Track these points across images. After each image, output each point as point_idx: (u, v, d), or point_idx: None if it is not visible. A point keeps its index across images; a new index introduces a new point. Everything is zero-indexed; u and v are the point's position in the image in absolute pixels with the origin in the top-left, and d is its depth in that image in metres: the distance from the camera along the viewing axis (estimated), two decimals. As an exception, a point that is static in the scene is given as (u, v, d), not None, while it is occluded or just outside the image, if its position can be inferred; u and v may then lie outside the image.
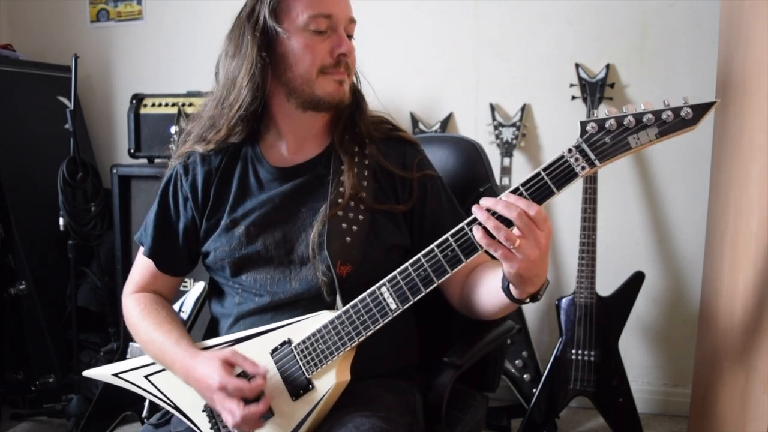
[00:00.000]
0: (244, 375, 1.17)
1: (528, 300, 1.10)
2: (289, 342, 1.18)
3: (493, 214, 0.99)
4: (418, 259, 1.07)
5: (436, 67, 2.70)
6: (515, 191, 1.00)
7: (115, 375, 1.35)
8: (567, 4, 2.53)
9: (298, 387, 1.17)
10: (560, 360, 2.30)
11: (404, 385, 1.30)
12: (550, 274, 2.60)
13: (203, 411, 1.25)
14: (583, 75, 2.45)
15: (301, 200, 1.28)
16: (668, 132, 0.93)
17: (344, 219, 1.24)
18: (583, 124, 0.96)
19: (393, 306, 1.10)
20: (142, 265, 1.40)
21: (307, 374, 1.16)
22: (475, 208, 1.00)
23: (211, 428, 1.24)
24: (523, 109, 2.58)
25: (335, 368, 1.14)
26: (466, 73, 2.67)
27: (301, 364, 1.16)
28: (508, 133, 2.56)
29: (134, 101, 2.71)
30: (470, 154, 1.58)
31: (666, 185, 2.53)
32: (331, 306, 1.21)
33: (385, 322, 1.11)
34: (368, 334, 1.12)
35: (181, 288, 1.48)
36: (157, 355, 1.29)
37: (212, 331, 1.37)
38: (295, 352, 1.17)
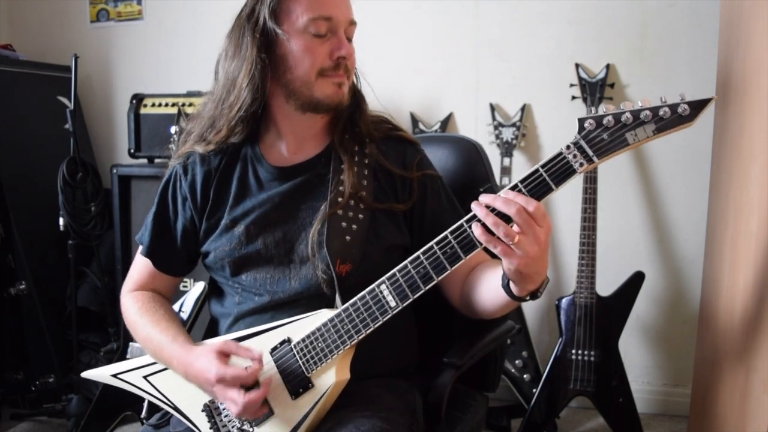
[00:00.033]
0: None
1: (528, 297, 1.10)
2: (288, 341, 1.18)
3: (492, 210, 0.99)
4: (418, 257, 1.07)
5: (436, 67, 2.70)
6: (514, 188, 1.00)
7: (114, 376, 1.35)
8: (567, 4, 2.53)
9: (297, 386, 1.17)
10: (560, 360, 2.30)
11: (404, 385, 1.30)
12: (550, 274, 2.60)
13: (202, 411, 1.25)
14: (583, 75, 2.45)
15: (301, 199, 1.28)
16: (665, 128, 0.94)
17: (344, 218, 1.24)
18: (581, 121, 0.97)
19: (392, 303, 1.10)
20: (140, 264, 1.40)
21: (306, 373, 1.16)
22: (474, 205, 1.00)
23: (211, 428, 1.24)
24: (523, 109, 2.58)
25: (335, 367, 1.14)
26: (466, 73, 2.67)
27: (300, 362, 1.16)
28: (508, 133, 2.56)
29: (134, 101, 2.72)
30: (470, 154, 1.58)
31: (666, 185, 2.53)
32: (330, 305, 1.21)
33: (384, 319, 1.11)
34: (368, 332, 1.12)
35: (181, 288, 1.48)
36: (156, 353, 1.29)
37: (212, 331, 1.37)
38: (294, 351, 1.17)
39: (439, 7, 2.67)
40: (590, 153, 0.96)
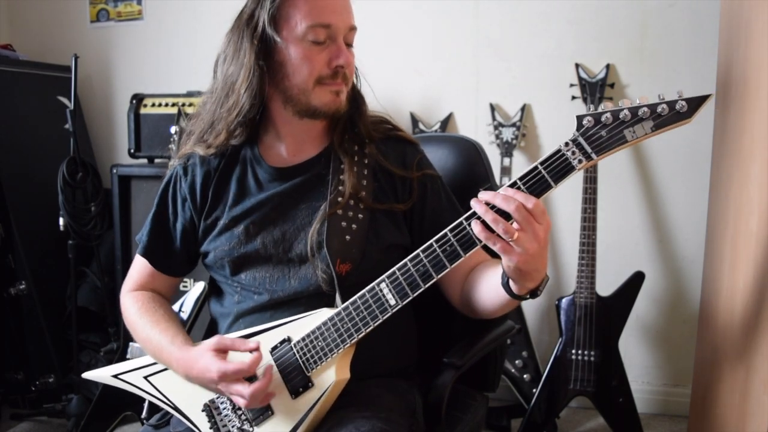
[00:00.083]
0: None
1: (528, 296, 1.10)
2: (288, 340, 1.18)
3: (492, 207, 0.99)
4: (417, 255, 1.07)
5: (436, 67, 2.70)
6: (513, 185, 1.00)
7: (115, 376, 1.35)
8: (567, 4, 2.53)
9: (297, 385, 1.17)
10: (560, 360, 2.30)
11: (404, 386, 1.30)
12: (550, 274, 2.59)
13: (202, 411, 1.25)
14: (583, 75, 2.45)
15: (300, 199, 1.28)
16: (664, 125, 0.94)
17: (344, 218, 1.24)
18: (579, 119, 0.97)
19: (392, 302, 1.10)
20: (140, 264, 1.40)
21: (306, 372, 1.16)
22: (473, 202, 1.00)
23: (211, 428, 1.24)
24: (523, 109, 2.58)
25: (335, 366, 1.14)
26: (466, 73, 2.67)
27: (300, 362, 1.16)
28: (508, 133, 2.56)
29: (134, 101, 2.72)
30: (470, 153, 1.58)
31: (666, 185, 2.53)
32: (330, 304, 1.21)
33: (384, 318, 1.11)
34: (367, 330, 1.12)
35: (181, 288, 1.48)
36: (155, 353, 1.29)
37: (212, 331, 1.37)
38: (294, 350, 1.17)
39: (439, 7, 2.67)
40: (589, 150, 0.96)
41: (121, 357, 2.23)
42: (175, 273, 1.40)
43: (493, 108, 2.61)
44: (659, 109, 0.94)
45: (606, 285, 2.31)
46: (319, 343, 1.15)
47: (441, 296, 1.33)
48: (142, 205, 2.61)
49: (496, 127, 2.58)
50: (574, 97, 2.51)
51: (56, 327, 2.72)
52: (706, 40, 2.37)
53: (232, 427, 1.22)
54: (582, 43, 2.53)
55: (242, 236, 1.28)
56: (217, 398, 1.24)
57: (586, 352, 2.27)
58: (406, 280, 1.08)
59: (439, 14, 2.67)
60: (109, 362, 2.42)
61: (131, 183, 2.65)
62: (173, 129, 2.43)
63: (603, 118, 0.95)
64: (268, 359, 1.19)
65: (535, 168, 0.99)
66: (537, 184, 0.99)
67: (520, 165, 2.59)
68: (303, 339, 1.16)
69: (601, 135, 0.96)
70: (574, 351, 2.28)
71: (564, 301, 2.32)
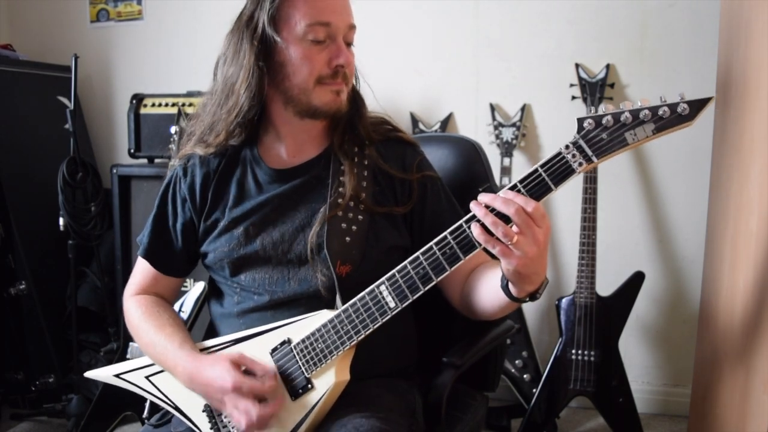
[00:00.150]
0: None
1: (527, 299, 1.10)
2: (288, 341, 1.18)
3: (492, 210, 0.99)
4: (417, 257, 1.07)
5: (436, 67, 2.70)
6: (513, 188, 1.00)
7: (117, 376, 1.35)
8: (567, 4, 2.53)
9: (297, 386, 1.17)
10: (560, 360, 2.30)
11: (404, 386, 1.30)
12: (550, 274, 2.60)
13: (203, 411, 1.25)
14: (583, 75, 2.45)
15: (300, 201, 1.28)
16: (665, 128, 0.93)
17: (344, 219, 1.24)
18: (580, 121, 0.96)
19: (392, 304, 1.10)
20: (142, 267, 1.40)
21: (306, 373, 1.16)
22: (473, 204, 1.00)
23: (211, 428, 1.24)
24: (523, 109, 2.58)
25: (334, 367, 1.14)
26: (466, 73, 2.67)
27: (300, 363, 1.16)
28: (508, 133, 2.56)
29: (134, 101, 2.72)
30: (470, 153, 1.58)
31: (666, 185, 2.53)
32: (330, 306, 1.21)
33: (384, 320, 1.11)
34: (367, 332, 1.12)
35: (181, 288, 1.48)
36: (159, 359, 1.28)
37: (212, 331, 1.37)
38: (294, 352, 1.17)
39: (439, 7, 2.67)
40: (589, 153, 0.96)
41: (121, 357, 2.23)
42: (176, 274, 1.40)
43: (493, 108, 2.61)
44: (661, 112, 0.93)
45: (606, 285, 2.31)
46: (319, 345, 1.15)
47: (441, 296, 1.33)
48: (142, 205, 2.61)
49: (496, 127, 2.58)
50: (574, 97, 2.51)
51: (56, 327, 2.72)
52: (706, 40, 2.36)
53: (232, 428, 1.22)
54: (582, 43, 2.53)
55: (242, 238, 1.28)
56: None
57: (586, 352, 2.27)
58: (406, 283, 1.08)
59: (439, 14, 2.67)
60: (109, 362, 2.42)
61: (131, 183, 2.65)
62: (173, 129, 2.43)
63: (604, 121, 0.95)
64: (268, 361, 1.19)
65: (536, 171, 0.99)
66: (537, 187, 0.99)
67: (520, 165, 2.59)
68: (303, 341, 1.16)
69: (602, 138, 0.96)
70: (574, 351, 2.29)
71: (564, 301, 2.32)
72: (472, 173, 1.55)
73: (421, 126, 2.67)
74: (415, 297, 1.09)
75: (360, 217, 1.25)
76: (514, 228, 0.98)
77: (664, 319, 2.59)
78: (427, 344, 1.43)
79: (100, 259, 2.65)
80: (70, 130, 2.43)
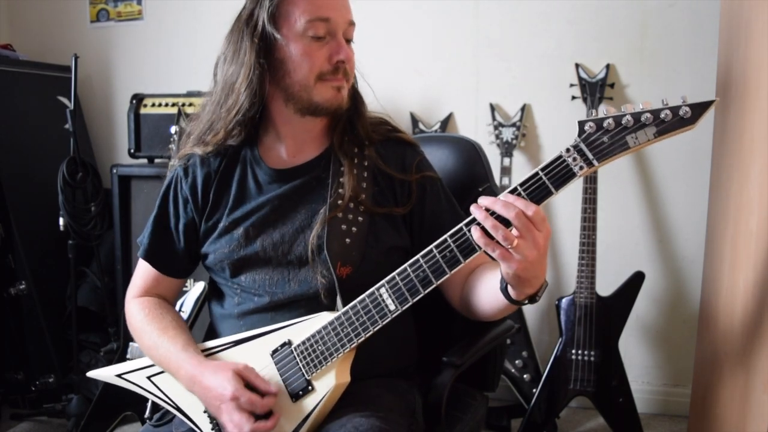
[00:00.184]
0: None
1: (526, 302, 1.10)
2: (289, 343, 1.18)
3: (492, 213, 0.98)
4: (417, 260, 1.07)
5: (436, 67, 2.70)
6: (513, 191, 1.00)
7: (118, 376, 1.35)
8: (567, 4, 2.53)
9: (297, 388, 1.17)
10: (560, 360, 2.30)
11: (404, 385, 1.30)
12: (550, 274, 2.60)
13: (204, 412, 1.25)
14: (583, 75, 2.45)
15: (300, 202, 1.28)
16: (667, 131, 0.93)
17: (344, 220, 1.24)
18: (581, 124, 0.96)
19: (392, 307, 1.10)
20: (143, 269, 1.40)
21: (306, 375, 1.16)
22: (473, 207, 1.00)
23: (212, 429, 1.24)
24: (523, 109, 2.58)
25: (335, 369, 1.14)
26: (466, 73, 2.67)
27: (301, 365, 1.16)
28: (508, 133, 2.56)
29: (134, 101, 2.71)
30: (470, 154, 1.57)
31: (666, 185, 2.53)
32: (330, 307, 1.21)
33: (384, 323, 1.11)
34: (367, 335, 1.12)
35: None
36: (161, 361, 1.28)
37: (213, 332, 1.37)
38: (295, 353, 1.17)
39: (439, 7, 2.66)
40: (590, 156, 0.96)
41: (121, 357, 2.23)
42: (178, 274, 1.40)
43: (493, 108, 2.61)
44: (662, 115, 0.92)
45: (606, 285, 2.31)
46: (320, 347, 1.15)
47: (441, 297, 1.33)
48: (142, 205, 2.61)
49: (496, 127, 2.58)
50: (574, 97, 2.50)
51: (56, 327, 2.72)
52: (706, 40, 2.36)
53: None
54: (582, 43, 2.53)
55: (242, 239, 1.27)
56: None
57: (586, 352, 2.28)
58: (406, 286, 1.08)
59: (439, 14, 2.67)
60: (109, 362, 2.43)
61: (131, 183, 2.64)
62: (173, 129, 2.43)
63: (605, 124, 0.95)
64: (268, 362, 1.19)
65: (536, 174, 0.99)
66: (538, 190, 0.99)
67: (520, 165, 2.59)
68: (303, 342, 1.16)
69: (603, 141, 0.95)
70: (574, 351, 2.29)
71: (564, 301, 2.32)
72: (472, 173, 1.55)
73: (421, 126, 2.67)
74: (415, 300, 1.09)
75: (360, 218, 1.25)
76: (514, 231, 0.98)
77: (664, 319, 2.59)
78: (427, 344, 1.43)
79: (100, 259, 2.65)
80: (70, 130, 2.43)
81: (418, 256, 1.07)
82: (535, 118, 2.62)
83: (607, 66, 2.45)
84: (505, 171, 2.53)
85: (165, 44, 3.01)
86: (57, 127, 2.49)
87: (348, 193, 1.25)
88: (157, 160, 2.70)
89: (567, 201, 2.55)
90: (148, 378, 1.32)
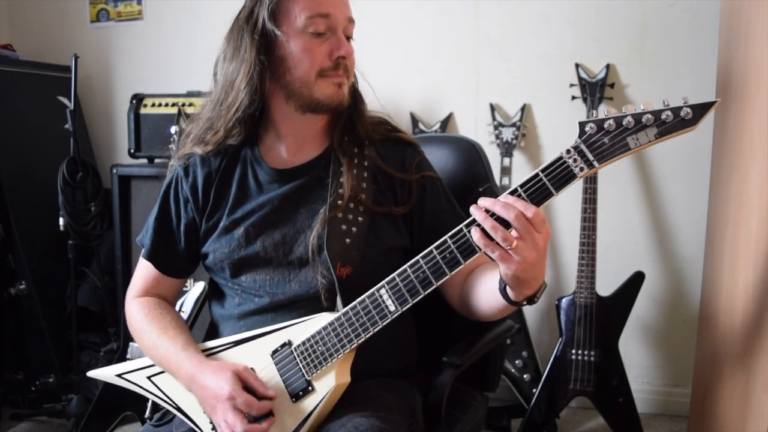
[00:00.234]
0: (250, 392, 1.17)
1: (525, 302, 1.10)
2: (289, 344, 1.18)
3: (492, 215, 0.98)
4: (417, 261, 1.07)
5: (436, 67, 2.70)
6: (514, 192, 0.99)
7: (119, 376, 1.35)
8: (567, 4, 2.53)
9: (298, 389, 1.17)
10: (560, 360, 2.30)
11: (404, 385, 1.30)
12: (549, 274, 2.60)
13: (204, 412, 1.25)
14: (583, 75, 2.45)
15: (300, 202, 1.28)
16: (668, 132, 0.93)
17: (344, 221, 1.24)
18: (582, 125, 0.96)
19: (392, 308, 1.10)
20: (144, 269, 1.40)
21: (306, 376, 1.16)
22: (473, 208, 0.99)
23: (213, 429, 1.24)
24: (523, 109, 2.58)
25: (335, 370, 1.14)
26: (466, 73, 2.67)
27: (301, 365, 1.16)
28: (508, 133, 2.56)
29: (134, 101, 2.71)
30: (470, 154, 1.57)
31: (666, 185, 2.53)
32: (331, 308, 1.21)
33: (384, 324, 1.11)
34: (367, 336, 1.12)
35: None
36: (162, 361, 1.28)
37: (213, 331, 1.37)
38: (295, 354, 1.17)
39: (439, 7, 2.66)
40: (591, 157, 0.96)
41: (121, 357, 2.23)
42: (179, 275, 1.40)
43: (493, 108, 2.61)
44: (663, 116, 0.92)
45: (606, 285, 2.31)
46: (320, 348, 1.15)
47: (441, 297, 1.33)
48: (142, 205, 2.61)
49: (496, 127, 2.58)
50: (574, 97, 2.51)
51: (56, 327, 2.72)
52: (706, 40, 2.36)
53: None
54: (582, 43, 2.53)
55: (242, 239, 1.27)
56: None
57: (586, 352, 2.28)
58: (406, 287, 1.08)
59: (439, 14, 2.67)
60: (109, 362, 2.43)
61: (131, 183, 2.64)
62: (173, 129, 2.43)
63: (606, 125, 0.94)
64: (269, 362, 1.19)
65: (536, 175, 0.99)
66: (538, 191, 0.99)
67: (520, 165, 2.59)
68: (304, 343, 1.16)
69: (604, 142, 0.95)
70: (574, 351, 2.29)
71: (564, 301, 2.32)
72: (472, 173, 1.55)
73: (421, 126, 2.67)
74: (415, 301, 1.09)
75: (360, 218, 1.25)
76: (514, 233, 0.98)
77: (664, 319, 2.59)
78: (427, 344, 1.43)
79: (100, 259, 2.65)
80: (70, 130, 2.43)
81: (418, 257, 1.07)
82: (535, 118, 2.62)
83: (607, 66, 2.45)
84: (505, 171, 2.53)
85: (165, 44, 3.01)
86: (57, 127, 2.49)
87: (347, 192, 1.24)
88: (157, 160, 2.70)
89: (567, 201, 2.54)
90: (149, 378, 1.32)
